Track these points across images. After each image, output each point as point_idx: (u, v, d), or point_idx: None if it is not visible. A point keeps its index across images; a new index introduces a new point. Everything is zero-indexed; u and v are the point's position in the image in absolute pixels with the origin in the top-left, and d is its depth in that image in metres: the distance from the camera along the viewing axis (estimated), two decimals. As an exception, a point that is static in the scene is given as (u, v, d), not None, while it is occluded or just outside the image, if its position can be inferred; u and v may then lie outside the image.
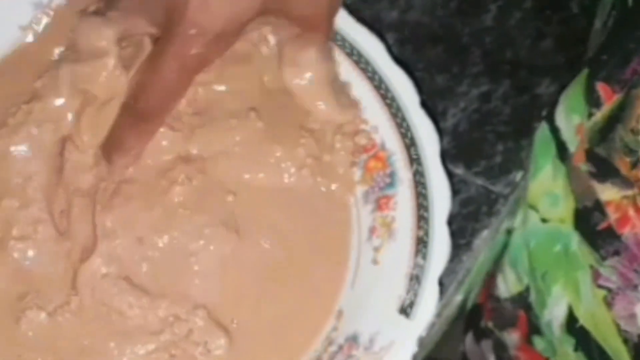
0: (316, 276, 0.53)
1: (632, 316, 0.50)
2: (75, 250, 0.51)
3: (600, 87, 0.51)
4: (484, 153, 0.62)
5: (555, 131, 0.56)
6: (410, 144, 0.54)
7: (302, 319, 0.52)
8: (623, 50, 0.49)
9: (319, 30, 0.52)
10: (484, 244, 0.61)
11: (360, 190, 0.55)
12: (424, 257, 0.52)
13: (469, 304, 0.68)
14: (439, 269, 0.52)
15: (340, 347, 0.51)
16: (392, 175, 0.54)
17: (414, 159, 0.54)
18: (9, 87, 0.56)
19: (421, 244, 0.52)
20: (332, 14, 0.53)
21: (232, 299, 0.52)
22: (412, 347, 0.50)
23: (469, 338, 0.68)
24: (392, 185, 0.54)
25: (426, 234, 0.52)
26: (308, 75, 0.52)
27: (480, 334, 0.67)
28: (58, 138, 0.53)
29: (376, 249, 0.53)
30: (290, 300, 0.52)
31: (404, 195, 0.53)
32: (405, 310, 0.51)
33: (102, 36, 0.52)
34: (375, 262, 0.53)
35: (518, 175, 0.62)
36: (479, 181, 0.61)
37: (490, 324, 0.66)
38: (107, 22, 0.52)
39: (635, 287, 0.50)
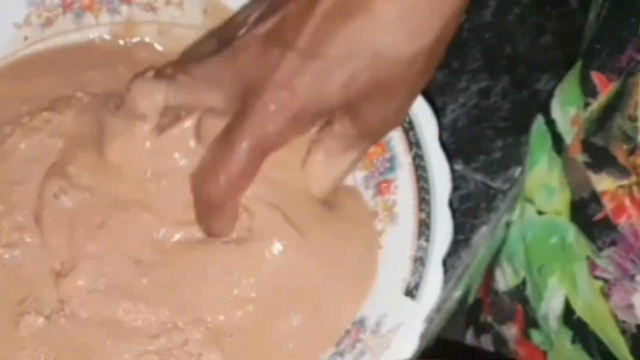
0: (334, 295, 0.51)
1: (630, 306, 0.50)
2: (54, 261, 0.50)
3: (596, 77, 0.51)
4: (483, 149, 0.61)
5: (550, 124, 0.56)
6: (408, 127, 0.53)
7: (313, 333, 0.51)
8: (617, 38, 0.48)
9: (370, 138, 0.50)
10: (482, 239, 0.60)
11: (360, 175, 0.54)
12: (427, 239, 0.51)
13: (470, 299, 0.67)
14: (443, 251, 0.51)
15: (348, 332, 0.50)
16: (391, 159, 0.53)
17: (413, 143, 0.53)
18: (27, 88, 0.56)
19: (424, 226, 0.51)
20: (389, 129, 0.51)
21: (238, 320, 0.50)
22: (419, 328, 0.50)
23: (470, 334, 0.68)
24: (392, 170, 0.53)
25: (428, 216, 0.51)
26: (334, 170, 0.51)
27: (480, 329, 0.67)
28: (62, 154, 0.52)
29: (378, 233, 0.52)
30: (301, 317, 0.51)
31: (404, 178, 0.53)
32: (411, 292, 0.50)
33: (149, 101, 0.49)
34: (378, 246, 0.52)
35: (517, 171, 0.61)
36: (478, 177, 0.61)
37: (489, 319, 0.65)
38: (161, 88, 0.49)
39: (632, 277, 0.50)
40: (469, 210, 0.59)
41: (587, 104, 0.52)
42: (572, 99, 0.54)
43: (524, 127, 0.62)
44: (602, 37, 0.51)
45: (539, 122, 0.58)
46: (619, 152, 0.49)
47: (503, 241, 0.64)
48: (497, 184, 0.61)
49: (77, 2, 0.58)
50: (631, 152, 0.48)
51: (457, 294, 0.61)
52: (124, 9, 0.58)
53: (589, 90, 0.52)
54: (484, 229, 0.60)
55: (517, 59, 0.64)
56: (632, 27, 0.48)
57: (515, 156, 0.61)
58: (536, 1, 0.65)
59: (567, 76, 0.56)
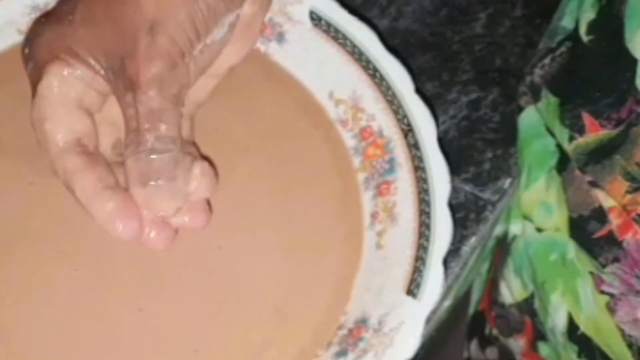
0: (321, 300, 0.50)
1: (636, 321, 0.48)
2: None
3: (587, 118, 0.48)
4: (472, 160, 0.58)
5: (560, 145, 0.53)
6: (407, 130, 0.52)
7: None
8: (616, 90, 0.46)
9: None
10: (472, 250, 0.57)
11: (360, 177, 0.52)
12: (427, 239, 0.49)
13: (471, 311, 0.65)
14: (443, 250, 0.50)
15: (350, 331, 0.49)
16: (391, 161, 0.52)
17: (412, 144, 0.51)
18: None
19: (424, 226, 0.50)
20: None
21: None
22: (420, 327, 0.49)
23: (474, 345, 0.66)
24: (392, 171, 0.52)
25: (428, 216, 0.50)
26: None
27: (485, 342, 0.65)
28: None
29: (379, 234, 0.51)
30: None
31: (404, 180, 0.51)
32: (412, 291, 0.49)
33: None
34: (379, 246, 0.50)
35: (506, 183, 0.58)
36: (468, 188, 0.58)
37: (495, 331, 0.63)
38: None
39: (637, 292, 0.47)
40: (458, 221, 0.56)
41: (572, 138, 0.49)
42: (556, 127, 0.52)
43: (514, 139, 0.59)
44: (601, 86, 0.48)
45: (544, 142, 0.55)
46: (615, 186, 0.47)
47: (493, 252, 0.62)
48: (486, 195, 0.58)
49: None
50: (634, 190, 0.46)
51: (447, 303, 0.59)
52: None
53: (576, 127, 0.50)
54: (473, 240, 0.57)
55: (508, 71, 0.61)
56: (628, 81, 0.46)
57: (504, 167, 0.58)
58: (527, 14, 0.62)
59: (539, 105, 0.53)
